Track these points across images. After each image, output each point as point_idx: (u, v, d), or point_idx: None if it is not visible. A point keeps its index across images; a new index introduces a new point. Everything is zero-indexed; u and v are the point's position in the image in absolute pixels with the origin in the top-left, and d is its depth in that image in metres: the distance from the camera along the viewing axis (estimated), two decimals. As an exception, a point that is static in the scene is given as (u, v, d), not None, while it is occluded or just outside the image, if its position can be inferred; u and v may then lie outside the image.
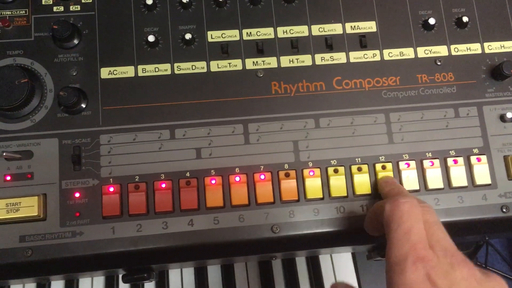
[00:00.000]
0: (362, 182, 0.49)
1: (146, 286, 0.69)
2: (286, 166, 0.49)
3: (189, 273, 0.71)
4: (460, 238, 0.62)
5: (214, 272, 0.72)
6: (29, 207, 0.46)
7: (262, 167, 0.49)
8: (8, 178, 0.47)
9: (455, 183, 0.49)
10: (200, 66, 0.51)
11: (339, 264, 0.72)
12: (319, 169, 0.49)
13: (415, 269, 0.34)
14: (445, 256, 0.36)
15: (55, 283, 0.66)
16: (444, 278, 0.34)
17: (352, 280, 0.71)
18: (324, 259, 0.72)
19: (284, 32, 0.52)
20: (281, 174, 0.49)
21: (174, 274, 0.71)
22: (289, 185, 0.48)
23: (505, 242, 1.31)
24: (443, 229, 0.38)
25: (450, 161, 0.50)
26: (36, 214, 0.46)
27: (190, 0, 0.52)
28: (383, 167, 0.49)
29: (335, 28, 0.53)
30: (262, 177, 0.49)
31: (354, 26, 0.53)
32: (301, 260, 0.72)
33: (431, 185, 0.49)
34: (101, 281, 0.69)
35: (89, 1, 0.52)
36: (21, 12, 0.51)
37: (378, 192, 0.49)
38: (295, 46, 0.52)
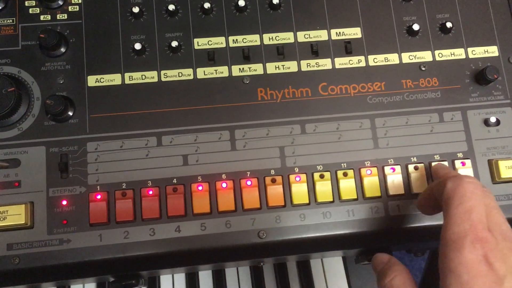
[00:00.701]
0: (348, 187, 0.49)
1: (138, 292, 0.69)
2: (272, 171, 0.49)
3: (180, 278, 0.71)
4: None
5: (205, 278, 0.72)
6: (16, 215, 0.46)
7: (249, 173, 0.49)
8: (-5, 186, 0.47)
9: (440, 187, 0.50)
10: (186, 73, 0.51)
11: (330, 268, 0.72)
12: (305, 175, 0.49)
13: (473, 249, 0.34)
14: (504, 240, 0.35)
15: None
16: (502, 261, 0.34)
17: (342, 284, 0.72)
18: (315, 263, 0.72)
19: (270, 39, 0.53)
20: (268, 180, 0.49)
21: (165, 280, 0.72)
22: (275, 191, 0.49)
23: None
24: (502, 215, 0.38)
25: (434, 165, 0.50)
26: (23, 222, 0.46)
27: (177, 8, 0.52)
28: (369, 172, 0.50)
29: (320, 35, 0.53)
30: (249, 183, 0.49)
31: (339, 33, 0.53)
32: (292, 265, 0.73)
33: (416, 190, 0.50)
34: (93, 287, 0.69)
35: (76, 9, 0.52)
36: (8, 21, 0.51)
37: (364, 197, 0.49)
38: (281, 52, 0.52)
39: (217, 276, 0.72)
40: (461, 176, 0.39)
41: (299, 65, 0.52)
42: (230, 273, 0.72)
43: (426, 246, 0.73)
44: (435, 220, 0.49)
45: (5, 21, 0.51)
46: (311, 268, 0.72)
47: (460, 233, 0.35)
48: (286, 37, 0.53)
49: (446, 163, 0.50)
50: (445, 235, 0.36)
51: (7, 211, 0.46)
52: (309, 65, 0.52)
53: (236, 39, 0.53)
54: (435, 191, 0.42)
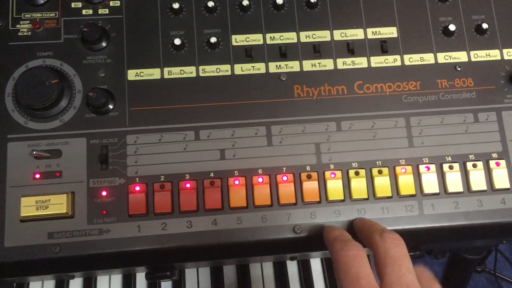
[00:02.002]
0: (383, 185, 0.50)
1: (163, 285, 0.70)
2: (308, 168, 0.50)
3: (205, 272, 0.72)
4: (471, 243, 0.63)
5: (229, 272, 0.72)
6: (58, 204, 0.47)
7: (285, 168, 0.50)
8: (38, 176, 0.48)
9: (474, 187, 0.50)
10: (224, 69, 0.52)
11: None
12: (340, 171, 0.50)
13: None
14: None
15: (73, 281, 0.67)
16: None
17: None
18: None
19: (307, 36, 0.53)
20: (303, 175, 0.50)
21: (190, 274, 0.72)
22: (311, 187, 0.49)
23: (515, 248, 1.31)
24: (407, 264, 0.39)
25: (469, 165, 0.51)
26: (64, 211, 0.47)
27: (215, 5, 0.53)
28: (404, 170, 0.50)
29: (356, 34, 0.54)
30: (285, 178, 0.50)
31: (375, 32, 0.54)
32: (316, 261, 0.73)
33: (450, 189, 0.50)
34: (119, 279, 0.70)
35: (117, 4, 0.53)
36: (51, 14, 0.52)
37: (398, 195, 0.50)
38: (317, 50, 0.53)
39: (241, 270, 0.72)
40: (342, 246, 0.41)
41: (335, 63, 0.53)
42: (254, 267, 0.72)
43: (454, 247, 0.73)
44: (469, 220, 0.50)
45: (48, 15, 0.52)
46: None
47: None
48: (322, 35, 0.54)
49: (480, 163, 0.51)
50: None
51: (49, 200, 0.47)
52: (345, 63, 0.53)
53: (273, 36, 0.53)
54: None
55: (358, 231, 0.47)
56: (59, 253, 0.47)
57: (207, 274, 0.72)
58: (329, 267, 0.72)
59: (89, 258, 0.48)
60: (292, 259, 0.64)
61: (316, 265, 0.73)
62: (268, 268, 0.73)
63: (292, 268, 0.73)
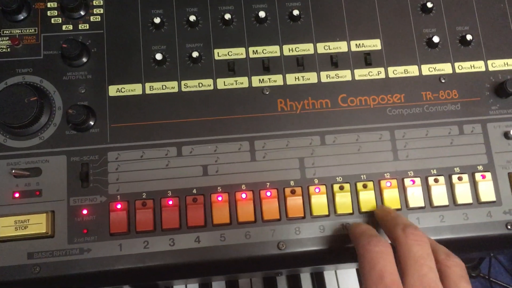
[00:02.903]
0: (368, 199, 0.49)
1: (151, 300, 0.69)
2: (292, 183, 0.49)
3: None
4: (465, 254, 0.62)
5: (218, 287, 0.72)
6: (37, 224, 0.47)
7: (268, 184, 0.49)
8: (17, 195, 0.47)
9: (460, 200, 0.50)
10: (207, 84, 0.52)
11: (344, 279, 0.72)
12: (324, 186, 0.49)
13: None
14: None
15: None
16: None
17: (356, 294, 0.71)
18: (329, 274, 0.72)
19: (290, 50, 0.53)
20: (287, 191, 0.49)
21: (179, 289, 0.72)
22: (295, 202, 0.49)
23: (508, 254, 1.31)
24: (429, 264, 0.39)
25: (455, 178, 0.50)
26: (44, 231, 0.46)
27: (197, 19, 0.53)
28: (389, 184, 0.50)
29: (340, 46, 0.53)
30: (268, 194, 0.49)
31: (359, 44, 0.54)
32: (305, 276, 0.72)
33: (436, 202, 0.49)
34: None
35: (97, 20, 0.52)
36: (30, 30, 0.52)
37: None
38: (300, 63, 0.53)
39: (230, 286, 0.71)
40: (368, 241, 0.41)
41: (318, 77, 0.52)
42: (244, 283, 0.72)
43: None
44: (455, 233, 0.49)
45: (27, 31, 0.52)
46: (325, 280, 0.71)
47: None
48: (306, 49, 0.53)
49: (466, 176, 0.50)
50: None
51: (28, 220, 0.47)
52: (328, 76, 0.53)
53: (256, 50, 0.53)
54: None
55: (380, 221, 0.47)
56: (39, 274, 0.46)
57: (196, 289, 0.71)
58: (318, 281, 0.72)
59: (70, 278, 0.47)
60: (277, 274, 0.63)
61: (306, 280, 0.72)
62: (258, 284, 0.72)
63: (282, 283, 0.72)
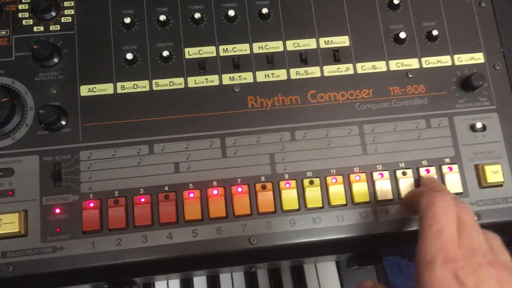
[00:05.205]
0: (337, 193, 0.50)
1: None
2: (262, 178, 0.50)
3: (175, 284, 0.72)
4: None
5: (200, 283, 0.72)
6: (10, 223, 0.47)
7: (239, 180, 0.50)
8: (-10, 195, 0.48)
9: (428, 192, 0.51)
10: (178, 82, 0.52)
11: (323, 272, 0.73)
12: (295, 181, 0.50)
13: (444, 268, 0.36)
14: (475, 256, 0.37)
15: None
16: (472, 277, 0.36)
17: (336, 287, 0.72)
18: (309, 267, 0.73)
19: (260, 47, 0.54)
20: (258, 186, 0.50)
21: (159, 286, 0.72)
22: (265, 197, 0.50)
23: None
24: (477, 230, 0.40)
25: (422, 170, 0.51)
26: (17, 230, 0.47)
27: (168, 18, 0.53)
28: (358, 178, 0.51)
29: (309, 43, 0.54)
30: (239, 189, 0.50)
31: (328, 41, 0.54)
32: (286, 269, 0.73)
33: (404, 194, 0.50)
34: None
35: (68, 20, 0.53)
36: (2, 32, 0.52)
37: (353, 203, 0.50)
38: (270, 61, 0.53)
39: (212, 281, 0.72)
40: (434, 195, 0.41)
41: (288, 73, 0.53)
42: (224, 278, 0.73)
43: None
44: (423, 225, 0.50)
45: (-1, 33, 0.52)
46: (305, 273, 0.72)
47: (432, 254, 0.37)
48: (275, 46, 0.54)
49: (433, 168, 0.51)
50: (419, 255, 0.38)
51: (1, 219, 0.47)
52: (298, 73, 0.53)
53: (226, 48, 0.54)
54: (414, 203, 0.45)
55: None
56: (12, 272, 0.47)
57: (177, 286, 0.72)
58: (299, 275, 0.73)
59: (43, 277, 0.47)
60: (250, 269, 0.64)
61: (286, 273, 0.73)
62: (239, 278, 0.73)
63: (263, 277, 0.73)
